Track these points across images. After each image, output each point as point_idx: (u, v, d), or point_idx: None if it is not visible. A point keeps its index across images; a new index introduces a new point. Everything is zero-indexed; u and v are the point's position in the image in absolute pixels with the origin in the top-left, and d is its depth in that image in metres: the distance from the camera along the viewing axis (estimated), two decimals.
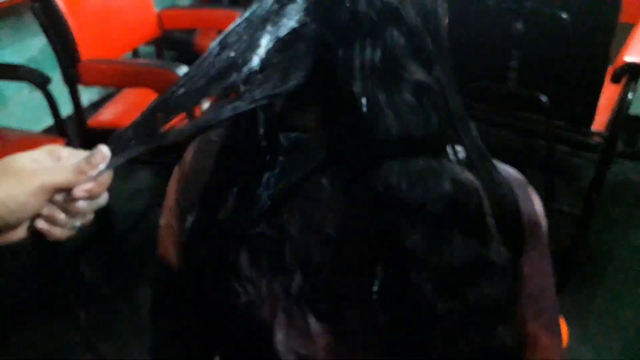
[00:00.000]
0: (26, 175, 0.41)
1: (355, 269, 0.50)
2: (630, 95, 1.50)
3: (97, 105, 2.37)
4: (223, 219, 0.51)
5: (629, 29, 1.77)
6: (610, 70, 1.52)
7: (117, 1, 1.86)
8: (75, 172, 0.42)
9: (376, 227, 0.48)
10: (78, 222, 0.44)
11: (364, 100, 0.45)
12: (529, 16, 1.47)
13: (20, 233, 0.43)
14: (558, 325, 0.61)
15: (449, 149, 0.51)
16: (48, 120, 1.82)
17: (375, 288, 0.49)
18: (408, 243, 0.46)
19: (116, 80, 1.78)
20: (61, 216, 0.43)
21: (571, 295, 1.78)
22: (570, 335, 1.58)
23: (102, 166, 0.43)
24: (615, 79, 1.51)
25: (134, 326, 1.68)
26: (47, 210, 0.42)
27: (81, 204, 0.43)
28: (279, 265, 0.52)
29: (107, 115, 1.87)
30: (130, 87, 1.95)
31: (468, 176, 0.49)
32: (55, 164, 0.43)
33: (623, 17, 1.42)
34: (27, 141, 1.76)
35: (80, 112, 1.77)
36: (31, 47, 2.39)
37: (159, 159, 1.95)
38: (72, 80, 1.69)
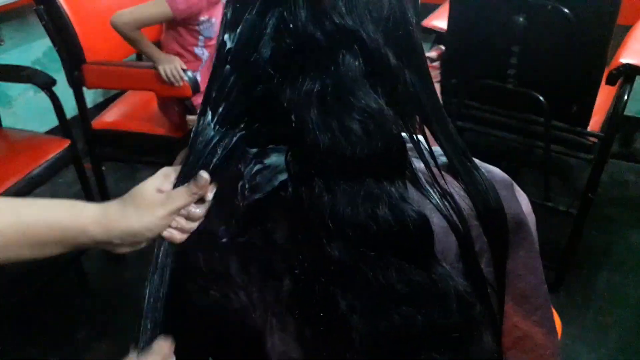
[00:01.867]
0: (156, 206, 0.52)
1: (339, 274, 0.51)
2: (625, 96, 1.52)
3: (101, 107, 2.39)
4: (203, 228, 0.53)
5: (626, 31, 1.78)
6: (606, 72, 1.54)
7: (121, 4, 1.89)
8: (189, 195, 0.52)
9: (302, 238, 0.49)
10: (195, 225, 0.55)
11: (292, 117, 0.46)
12: (531, 9, 1.48)
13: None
14: (552, 321, 0.61)
15: (415, 163, 0.51)
16: (53, 121, 1.84)
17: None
18: (327, 253, 0.47)
19: (120, 83, 1.80)
20: (186, 224, 0.54)
21: (567, 293, 1.80)
22: (566, 333, 1.60)
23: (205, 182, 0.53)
24: (611, 81, 1.53)
25: (136, 324, 1.70)
26: (175, 223, 0.54)
27: (198, 212, 0.54)
28: (269, 272, 0.52)
29: (111, 116, 1.89)
30: (134, 90, 1.97)
31: (413, 206, 0.48)
32: (170, 188, 0.54)
33: (620, 20, 1.44)
34: (32, 141, 1.78)
35: (84, 113, 1.78)
36: (36, 49, 2.41)
37: (160, 159, 1.97)
38: (76, 83, 1.71)
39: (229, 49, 0.49)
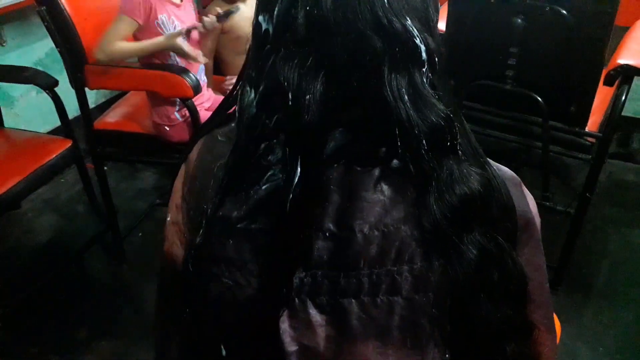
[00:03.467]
0: None
1: (351, 262, 0.52)
2: (623, 97, 1.53)
3: (103, 107, 2.40)
4: (223, 215, 0.53)
5: (623, 32, 1.79)
6: (604, 73, 1.54)
7: None
8: None
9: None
10: None
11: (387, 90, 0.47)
12: (529, 11, 1.49)
13: None
14: (552, 320, 0.62)
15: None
16: (55, 122, 1.85)
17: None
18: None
19: (122, 83, 1.80)
20: None
21: (566, 293, 1.81)
22: (565, 331, 1.61)
23: None
24: (609, 81, 1.53)
25: (137, 324, 1.70)
26: None
27: None
28: (281, 260, 0.53)
29: (113, 117, 1.90)
30: (136, 90, 1.98)
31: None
32: None
33: (618, 21, 1.44)
34: (34, 142, 1.80)
35: (87, 114, 1.79)
36: (38, 50, 2.42)
37: (161, 159, 1.98)
38: (78, 83, 1.72)
39: (266, 29, 0.50)
